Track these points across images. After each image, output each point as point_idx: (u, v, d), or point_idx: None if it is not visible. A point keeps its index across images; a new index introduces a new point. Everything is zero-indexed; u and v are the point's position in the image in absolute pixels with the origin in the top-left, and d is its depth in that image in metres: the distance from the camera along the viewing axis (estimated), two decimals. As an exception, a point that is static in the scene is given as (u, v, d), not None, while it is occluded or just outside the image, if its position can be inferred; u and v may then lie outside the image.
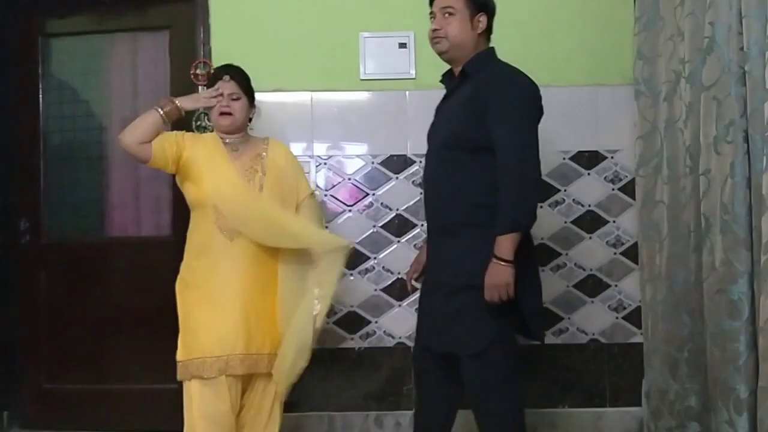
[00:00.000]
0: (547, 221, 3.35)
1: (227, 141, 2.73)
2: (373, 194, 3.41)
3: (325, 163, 3.41)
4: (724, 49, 2.53)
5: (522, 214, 2.31)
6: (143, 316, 3.40)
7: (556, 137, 3.23)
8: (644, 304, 3.23)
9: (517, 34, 3.22)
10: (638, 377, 3.27)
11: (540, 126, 2.44)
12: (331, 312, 3.13)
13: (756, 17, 2.38)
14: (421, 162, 3.36)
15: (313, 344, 2.67)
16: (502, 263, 2.28)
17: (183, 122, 2.96)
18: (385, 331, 3.38)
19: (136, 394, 3.43)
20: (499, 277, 2.28)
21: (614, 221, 3.40)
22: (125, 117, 3.53)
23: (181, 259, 2.71)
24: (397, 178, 3.40)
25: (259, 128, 2.96)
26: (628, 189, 3.36)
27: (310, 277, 2.68)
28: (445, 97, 2.60)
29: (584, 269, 3.40)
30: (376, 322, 3.39)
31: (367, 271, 3.39)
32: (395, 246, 3.40)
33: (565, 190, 3.40)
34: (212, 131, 2.82)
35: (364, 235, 3.39)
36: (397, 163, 3.40)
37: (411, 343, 3.34)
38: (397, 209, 3.40)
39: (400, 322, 3.38)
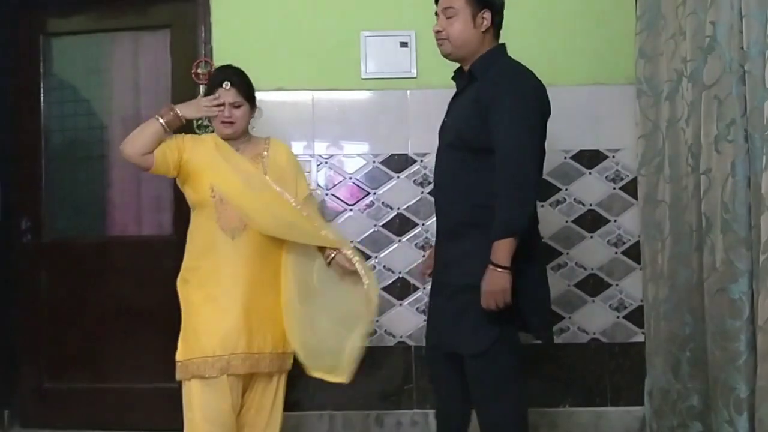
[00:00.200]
0: (548, 220, 3.34)
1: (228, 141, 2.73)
2: (374, 193, 3.40)
3: (326, 162, 3.41)
4: (725, 48, 2.52)
5: (516, 219, 2.26)
6: (144, 315, 3.40)
7: (558, 136, 3.21)
8: (646, 304, 3.22)
9: (518, 34, 3.18)
10: (639, 377, 3.27)
11: (542, 125, 2.43)
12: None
13: (756, 17, 2.38)
14: (421, 161, 3.37)
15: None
16: (499, 269, 2.24)
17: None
18: (386, 331, 3.38)
19: (137, 393, 3.43)
20: (494, 284, 2.25)
21: (615, 220, 3.39)
22: (126, 116, 3.56)
23: (182, 258, 2.71)
24: (398, 177, 3.40)
25: (260, 127, 2.95)
26: (629, 188, 3.36)
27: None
28: (457, 94, 2.58)
29: (585, 268, 3.40)
30: (377, 321, 3.38)
31: (368, 270, 3.39)
32: (396, 245, 3.40)
33: (566, 190, 3.39)
34: (213, 131, 2.82)
35: (364, 235, 3.39)
36: (398, 163, 3.40)
37: (412, 343, 3.36)
38: (398, 208, 3.40)
39: (401, 322, 3.38)
